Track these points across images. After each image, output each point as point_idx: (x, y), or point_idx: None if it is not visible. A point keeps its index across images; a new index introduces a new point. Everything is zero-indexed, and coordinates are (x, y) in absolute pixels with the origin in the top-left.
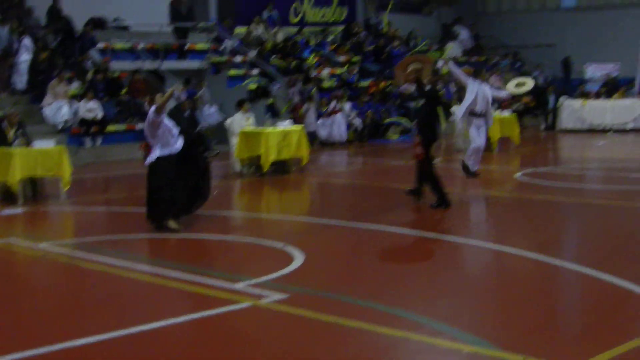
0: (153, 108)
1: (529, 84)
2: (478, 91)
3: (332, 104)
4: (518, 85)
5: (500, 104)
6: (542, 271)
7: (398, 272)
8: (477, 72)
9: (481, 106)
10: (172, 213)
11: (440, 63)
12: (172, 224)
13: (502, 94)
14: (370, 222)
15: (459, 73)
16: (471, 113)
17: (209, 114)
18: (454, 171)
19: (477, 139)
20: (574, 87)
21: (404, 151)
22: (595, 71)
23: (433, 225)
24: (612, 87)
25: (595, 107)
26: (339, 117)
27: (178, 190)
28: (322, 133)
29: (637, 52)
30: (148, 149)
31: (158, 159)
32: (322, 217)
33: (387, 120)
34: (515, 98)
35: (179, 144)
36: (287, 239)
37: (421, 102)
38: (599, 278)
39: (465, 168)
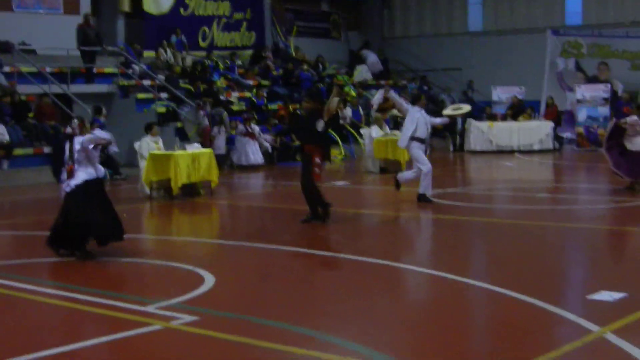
0: (95, 132)
1: (465, 108)
2: (419, 118)
3: (240, 126)
4: (454, 109)
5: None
6: (452, 290)
7: (308, 293)
8: (416, 98)
9: (422, 132)
10: (93, 237)
11: (379, 94)
12: (84, 251)
13: (438, 120)
14: (279, 244)
15: (400, 101)
16: (413, 138)
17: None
18: (365, 192)
19: (427, 162)
20: (480, 109)
21: None
22: (501, 94)
23: (342, 246)
24: (518, 110)
25: (502, 129)
26: (251, 140)
27: (102, 215)
28: (235, 156)
29: (542, 76)
30: (71, 174)
31: (85, 182)
32: (231, 240)
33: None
34: None
35: (101, 169)
36: (197, 262)
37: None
38: (507, 295)
39: (422, 196)
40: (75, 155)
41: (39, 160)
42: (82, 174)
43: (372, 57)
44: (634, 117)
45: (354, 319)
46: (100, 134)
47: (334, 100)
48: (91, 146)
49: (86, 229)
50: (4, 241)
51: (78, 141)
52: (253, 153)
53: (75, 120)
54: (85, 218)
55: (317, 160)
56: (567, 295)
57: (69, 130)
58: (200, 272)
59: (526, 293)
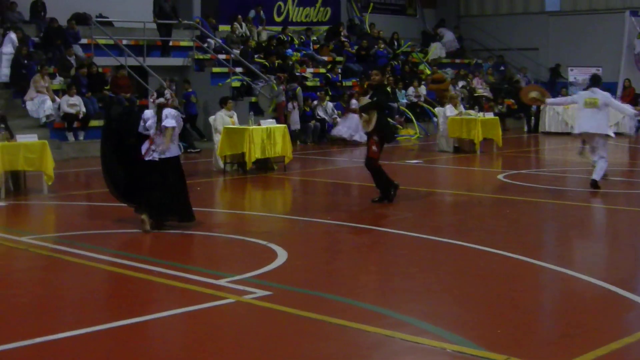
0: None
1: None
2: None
3: (353, 101)
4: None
5: (482, 106)
6: (525, 272)
7: (381, 270)
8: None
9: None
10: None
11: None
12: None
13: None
14: (351, 221)
15: (561, 101)
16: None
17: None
18: (438, 171)
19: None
20: (557, 90)
21: (388, 150)
22: (578, 75)
23: (416, 225)
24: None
25: None
26: (353, 116)
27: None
28: (342, 131)
29: (620, 57)
30: (154, 145)
31: (177, 157)
32: (304, 215)
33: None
34: (498, 101)
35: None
36: (270, 237)
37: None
38: (581, 279)
39: (595, 182)
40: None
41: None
42: (174, 148)
43: (448, 34)
44: None
45: (424, 297)
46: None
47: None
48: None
49: (181, 202)
50: (79, 211)
51: (168, 113)
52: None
53: (169, 92)
54: (178, 191)
55: (375, 137)
56: None
57: (161, 100)
58: (273, 247)
59: (599, 277)
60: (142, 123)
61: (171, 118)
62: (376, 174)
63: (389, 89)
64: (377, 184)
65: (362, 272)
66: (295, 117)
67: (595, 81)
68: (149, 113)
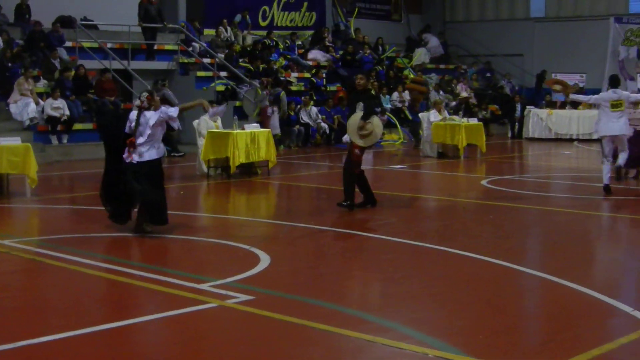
0: (175, 109)
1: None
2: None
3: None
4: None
5: (464, 112)
6: (508, 277)
7: (365, 275)
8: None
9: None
10: (161, 216)
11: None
12: (149, 226)
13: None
14: (334, 226)
15: (585, 99)
16: None
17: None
18: (422, 176)
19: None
20: (540, 96)
21: (369, 156)
22: None
23: (400, 230)
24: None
25: (562, 116)
26: None
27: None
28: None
29: (604, 63)
30: (133, 147)
31: (158, 160)
32: (287, 220)
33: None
34: (482, 106)
35: (162, 148)
36: (253, 241)
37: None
38: (563, 285)
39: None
40: (143, 129)
41: (98, 135)
42: (153, 151)
43: (433, 40)
44: None
45: (407, 303)
46: (171, 111)
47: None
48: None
49: (158, 207)
50: (63, 215)
51: (149, 115)
52: None
53: (145, 93)
54: (150, 197)
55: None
56: (622, 286)
57: (137, 102)
58: (255, 251)
59: (581, 283)
60: (128, 123)
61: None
62: (349, 179)
63: (373, 92)
64: (361, 189)
65: (345, 277)
66: (274, 121)
67: (615, 82)
68: (134, 115)
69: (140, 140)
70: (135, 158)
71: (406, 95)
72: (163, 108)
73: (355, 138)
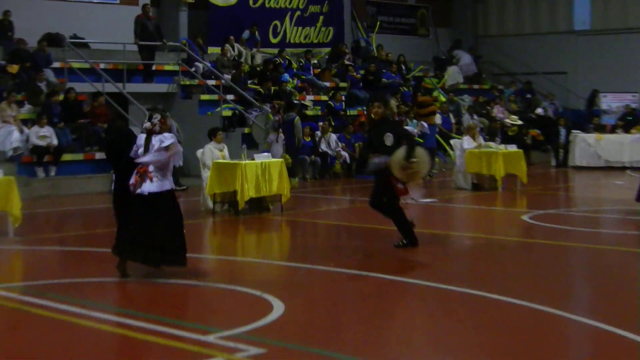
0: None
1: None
2: None
3: None
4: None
5: (503, 137)
6: (554, 326)
7: (389, 324)
8: None
9: None
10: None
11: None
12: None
13: None
14: (357, 269)
15: None
16: None
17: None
18: (454, 211)
19: None
20: (587, 119)
21: None
22: (611, 102)
23: (427, 272)
24: (631, 120)
25: (612, 142)
26: None
27: (167, 234)
28: None
29: None
30: (143, 177)
31: (170, 191)
32: (303, 262)
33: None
34: (522, 131)
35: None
36: (265, 286)
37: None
38: (616, 334)
39: None
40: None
41: (90, 167)
42: (166, 183)
43: (465, 57)
44: None
45: (437, 355)
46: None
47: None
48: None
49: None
50: (51, 258)
51: (158, 139)
52: None
53: (157, 115)
54: (173, 231)
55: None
56: None
57: (147, 125)
58: (267, 297)
59: (636, 331)
60: (134, 147)
61: (169, 138)
62: (397, 215)
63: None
64: (400, 227)
65: (368, 326)
66: (277, 150)
67: None
68: (142, 138)
69: (150, 167)
70: (147, 188)
71: (436, 119)
72: (167, 135)
73: (401, 175)
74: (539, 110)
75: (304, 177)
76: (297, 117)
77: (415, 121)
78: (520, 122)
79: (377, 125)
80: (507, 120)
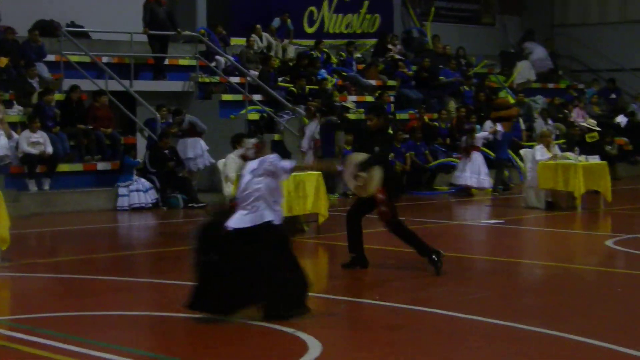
0: (290, 162)
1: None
2: None
3: (481, 134)
4: None
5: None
6: None
7: None
8: None
9: None
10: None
11: None
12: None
13: None
14: (409, 302)
15: None
16: None
17: (197, 154)
18: (525, 234)
19: None
20: None
21: (453, 207)
22: None
23: (494, 307)
24: None
25: None
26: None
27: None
28: (467, 177)
29: None
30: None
31: (278, 226)
32: (346, 294)
33: (434, 163)
34: (607, 139)
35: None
36: (300, 323)
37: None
38: None
39: None
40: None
41: (90, 179)
42: (269, 214)
43: (539, 51)
44: None
45: None
46: (284, 164)
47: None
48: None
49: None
50: (44, 287)
51: (250, 168)
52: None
53: (253, 140)
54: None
55: (380, 195)
56: None
57: (240, 151)
58: (302, 336)
59: None
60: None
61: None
62: (404, 233)
63: (391, 131)
64: (412, 245)
65: None
66: (308, 160)
67: None
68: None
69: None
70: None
71: (500, 126)
72: (271, 157)
73: (349, 183)
74: (620, 119)
75: (344, 193)
76: (339, 121)
77: (488, 123)
78: (598, 128)
79: (372, 135)
80: (584, 124)
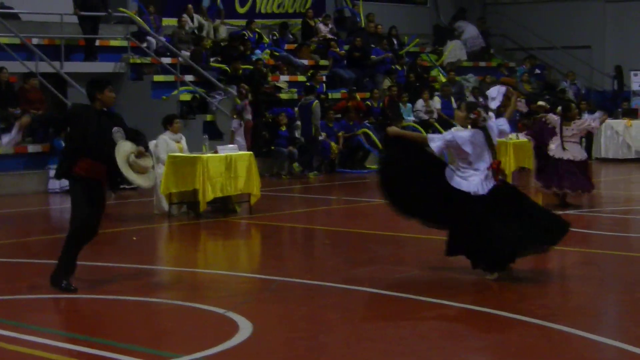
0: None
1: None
2: None
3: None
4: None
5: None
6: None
7: (377, 347)
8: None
9: None
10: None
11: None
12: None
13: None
14: (340, 282)
15: None
16: None
17: None
18: None
19: None
20: (613, 102)
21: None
22: None
23: (421, 286)
24: None
25: None
26: None
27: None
28: None
29: None
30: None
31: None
32: (276, 274)
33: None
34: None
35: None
36: (229, 303)
37: None
38: None
39: None
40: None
41: (23, 162)
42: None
43: (470, 29)
44: None
45: None
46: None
47: None
48: None
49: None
50: None
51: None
52: None
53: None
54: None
55: None
56: None
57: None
58: (233, 316)
59: None
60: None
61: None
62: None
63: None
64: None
65: (353, 349)
66: (240, 139)
67: None
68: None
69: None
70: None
71: (435, 103)
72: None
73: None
74: (541, 103)
75: (278, 174)
76: (316, 101)
77: (409, 105)
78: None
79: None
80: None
